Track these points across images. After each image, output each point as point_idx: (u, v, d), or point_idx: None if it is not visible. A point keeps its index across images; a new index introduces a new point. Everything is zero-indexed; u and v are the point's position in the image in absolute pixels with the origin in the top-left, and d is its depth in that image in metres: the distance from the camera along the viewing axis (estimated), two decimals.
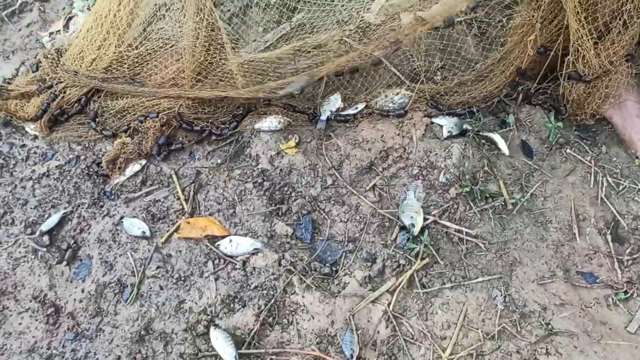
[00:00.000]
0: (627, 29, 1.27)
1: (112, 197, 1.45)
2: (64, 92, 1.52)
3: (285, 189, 1.41)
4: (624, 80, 1.35)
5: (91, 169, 1.49)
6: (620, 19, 1.26)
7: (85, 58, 1.53)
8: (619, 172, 1.39)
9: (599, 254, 1.28)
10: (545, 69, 1.47)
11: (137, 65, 1.56)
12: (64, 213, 1.44)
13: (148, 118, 1.47)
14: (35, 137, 1.58)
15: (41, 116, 1.51)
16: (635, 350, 1.15)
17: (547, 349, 1.16)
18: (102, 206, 1.44)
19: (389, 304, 1.23)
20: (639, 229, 1.31)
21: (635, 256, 1.27)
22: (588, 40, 1.27)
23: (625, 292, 1.22)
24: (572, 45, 1.32)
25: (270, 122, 1.49)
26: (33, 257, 1.39)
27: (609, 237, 1.30)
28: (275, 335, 1.22)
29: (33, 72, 1.59)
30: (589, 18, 1.27)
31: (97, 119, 1.50)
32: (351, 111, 1.52)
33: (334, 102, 1.55)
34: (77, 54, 1.54)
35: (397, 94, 1.51)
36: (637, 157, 1.39)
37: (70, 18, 1.83)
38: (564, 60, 1.38)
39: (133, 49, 1.56)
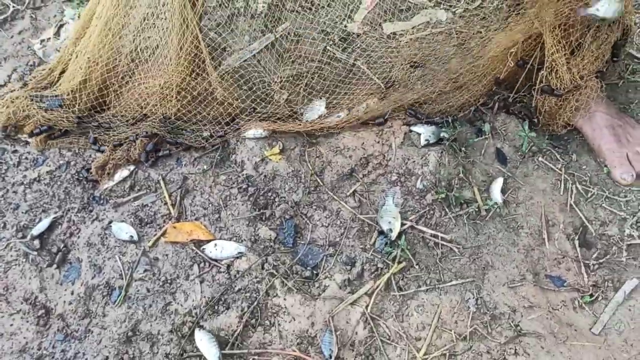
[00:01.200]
0: (598, 47, 1.33)
1: (101, 202, 1.50)
2: None
3: (269, 194, 1.46)
4: (594, 94, 1.41)
5: (81, 175, 1.53)
6: (592, 36, 1.32)
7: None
8: (588, 180, 1.45)
9: (567, 259, 1.34)
10: (521, 80, 1.53)
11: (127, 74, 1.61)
12: (54, 217, 1.48)
13: (139, 137, 1.51)
14: (27, 143, 1.62)
15: (38, 134, 1.56)
16: (598, 350, 1.22)
17: (515, 349, 1.22)
18: (91, 211, 1.49)
19: (367, 306, 1.29)
20: (606, 234, 1.37)
21: (601, 261, 1.33)
22: (561, 56, 1.34)
23: (591, 295, 1.28)
24: (547, 60, 1.39)
25: (255, 129, 1.54)
26: (24, 260, 1.43)
27: (576, 242, 1.36)
28: (258, 336, 1.27)
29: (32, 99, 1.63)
30: (564, 34, 1.33)
31: (97, 143, 1.55)
32: (333, 119, 1.57)
33: (318, 108, 1.60)
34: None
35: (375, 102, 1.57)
36: (605, 165, 1.46)
37: (61, 26, 1.87)
38: (539, 73, 1.44)
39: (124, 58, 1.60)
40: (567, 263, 1.33)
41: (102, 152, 1.54)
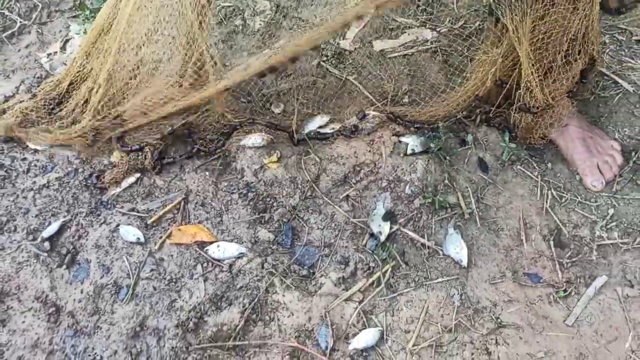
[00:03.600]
0: (567, 71, 1.47)
1: (109, 206, 1.58)
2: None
3: (268, 199, 1.56)
4: (566, 111, 1.55)
5: (89, 181, 1.62)
6: (561, 61, 1.46)
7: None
8: (562, 186, 1.58)
9: (543, 258, 1.46)
10: (501, 97, 1.66)
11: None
12: (64, 221, 1.56)
13: (146, 147, 1.61)
14: (36, 151, 1.70)
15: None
16: (571, 340, 1.33)
17: (496, 339, 1.33)
18: (99, 215, 1.57)
19: (360, 302, 1.39)
20: (578, 235, 1.49)
21: (574, 259, 1.45)
22: (535, 78, 1.47)
23: (565, 291, 1.40)
24: (523, 81, 1.52)
25: (255, 139, 1.64)
26: (35, 261, 1.51)
27: (551, 243, 1.48)
28: (259, 330, 1.37)
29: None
30: (537, 58, 1.46)
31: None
32: (328, 130, 1.68)
33: (315, 122, 1.71)
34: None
35: (368, 114, 1.68)
36: (577, 174, 1.59)
37: (67, 40, 1.96)
38: (517, 92, 1.57)
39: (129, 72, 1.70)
40: (543, 262, 1.45)
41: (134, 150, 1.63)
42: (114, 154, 1.66)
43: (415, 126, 1.64)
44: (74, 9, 2.06)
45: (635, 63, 1.82)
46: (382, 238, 1.46)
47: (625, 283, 1.40)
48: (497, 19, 1.43)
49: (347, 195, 1.56)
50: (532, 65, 1.49)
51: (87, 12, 1.99)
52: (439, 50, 1.88)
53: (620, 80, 1.76)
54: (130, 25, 1.70)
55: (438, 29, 1.96)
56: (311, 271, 1.45)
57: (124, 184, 1.60)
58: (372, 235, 1.48)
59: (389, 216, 1.49)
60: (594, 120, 1.69)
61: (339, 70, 1.83)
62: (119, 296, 1.45)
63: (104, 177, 1.61)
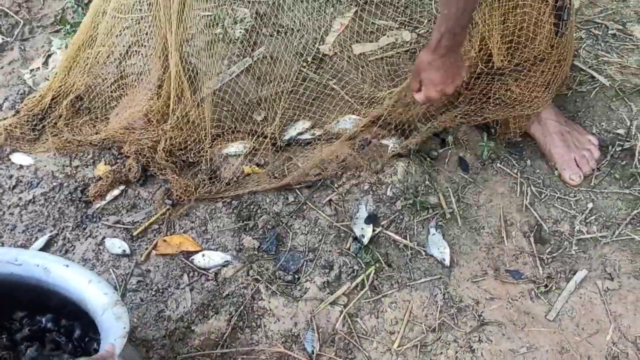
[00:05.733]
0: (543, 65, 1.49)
1: (94, 219, 1.60)
2: None
3: (252, 207, 1.58)
4: (542, 103, 1.56)
5: (74, 195, 1.63)
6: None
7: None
8: (541, 182, 1.60)
9: (524, 254, 1.48)
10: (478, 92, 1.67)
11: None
12: (50, 236, 1.57)
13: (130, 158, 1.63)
14: (21, 166, 1.72)
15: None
16: (553, 335, 1.35)
17: (479, 337, 1.35)
18: (85, 228, 1.58)
19: (345, 305, 1.41)
20: (558, 231, 1.51)
21: (554, 255, 1.47)
22: (508, 72, 1.49)
23: (546, 286, 1.42)
24: (497, 75, 1.53)
25: (237, 147, 1.66)
26: None
27: (532, 239, 1.50)
28: (246, 337, 1.38)
29: None
30: (510, 52, 1.48)
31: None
32: (308, 136, 1.70)
33: (296, 127, 1.73)
34: None
35: (349, 118, 1.70)
36: (556, 169, 1.61)
37: (49, 56, 1.98)
38: (493, 86, 1.59)
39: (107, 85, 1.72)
40: (524, 258, 1.47)
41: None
42: (97, 167, 1.68)
43: (396, 128, 1.65)
44: (55, 24, 2.07)
45: (611, 57, 1.84)
46: (365, 241, 1.48)
47: (605, 276, 1.43)
48: None
49: (330, 200, 1.57)
50: (505, 58, 1.50)
51: (68, 27, 2.00)
52: (418, 51, 1.89)
53: (596, 75, 1.78)
54: (110, 38, 1.72)
55: (417, 31, 1.98)
56: (296, 276, 1.47)
57: (109, 197, 1.62)
58: (355, 238, 1.50)
59: (372, 219, 1.51)
60: (571, 115, 1.71)
61: (319, 75, 1.84)
62: None
63: (88, 191, 1.63)
